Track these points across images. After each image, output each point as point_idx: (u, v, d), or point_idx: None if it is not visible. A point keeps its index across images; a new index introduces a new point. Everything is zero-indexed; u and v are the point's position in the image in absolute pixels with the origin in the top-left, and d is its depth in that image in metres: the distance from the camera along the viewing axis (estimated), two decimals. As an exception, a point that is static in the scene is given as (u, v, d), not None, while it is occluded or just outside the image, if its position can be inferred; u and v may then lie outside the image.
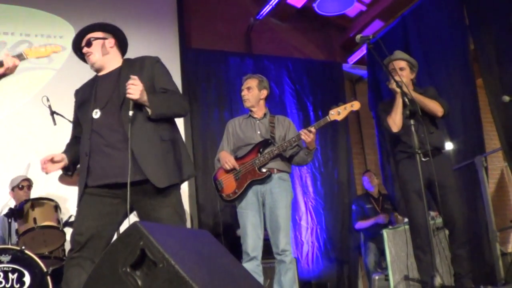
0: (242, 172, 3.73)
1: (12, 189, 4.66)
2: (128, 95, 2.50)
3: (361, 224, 5.83)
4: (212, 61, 6.37)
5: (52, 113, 4.13)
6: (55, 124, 4.12)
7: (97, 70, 2.79)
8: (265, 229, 3.75)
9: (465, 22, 5.22)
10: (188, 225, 4.81)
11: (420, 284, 3.83)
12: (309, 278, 5.99)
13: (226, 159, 3.76)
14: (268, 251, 3.84)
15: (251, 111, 3.93)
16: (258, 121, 3.89)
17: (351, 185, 6.61)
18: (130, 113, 2.50)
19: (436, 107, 3.76)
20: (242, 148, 3.83)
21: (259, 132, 3.84)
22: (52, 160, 2.68)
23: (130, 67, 2.71)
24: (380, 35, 6.17)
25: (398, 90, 3.60)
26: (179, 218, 2.61)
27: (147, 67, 2.70)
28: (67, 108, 3.19)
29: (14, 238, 4.19)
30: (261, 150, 3.74)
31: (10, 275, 3.69)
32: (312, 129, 3.61)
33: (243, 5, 6.83)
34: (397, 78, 3.58)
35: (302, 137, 3.62)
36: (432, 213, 4.31)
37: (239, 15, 6.78)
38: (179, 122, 3.32)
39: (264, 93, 3.91)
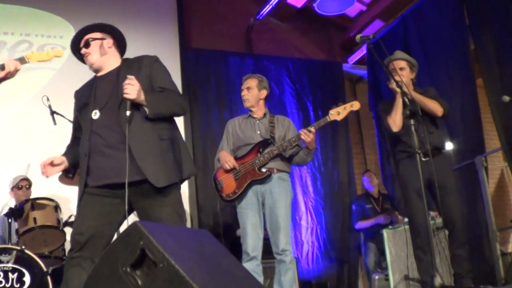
0: (242, 172, 3.73)
1: (11, 189, 4.67)
2: (125, 95, 2.50)
3: (361, 224, 5.83)
4: (212, 61, 6.37)
5: (52, 113, 4.13)
6: (55, 124, 4.12)
7: (96, 71, 2.79)
8: (265, 229, 3.74)
9: (465, 22, 5.21)
10: (188, 225, 4.82)
11: (420, 284, 3.83)
12: (309, 278, 5.99)
13: (226, 159, 3.76)
14: (268, 251, 3.84)
15: (250, 111, 3.93)
16: (258, 121, 3.89)
17: (351, 185, 6.61)
18: (127, 113, 2.50)
19: (436, 107, 3.76)
20: (242, 148, 3.83)
21: (258, 132, 3.84)
22: (52, 164, 2.67)
23: (128, 67, 2.71)
24: (380, 35, 6.17)
25: (398, 90, 3.61)
26: (178, 217, 2.60)
27: (145, 67, 2.70)
28: (67, 108, 3.18)
29: (14, 238, 4.19)
30: (261, 150, 3.74)
31: (10, 274, 3.68)
32: (312, 129, 3.61)
33: (243, 5, 6.83)
34: (397, 78, 3.58)
35: (302, 137, 3.62)
36: (432, 213, 4.31)
37: (239, 15, 6.77)
38: (179, 122, 3.31)
39: (264, 93, 3.91)
